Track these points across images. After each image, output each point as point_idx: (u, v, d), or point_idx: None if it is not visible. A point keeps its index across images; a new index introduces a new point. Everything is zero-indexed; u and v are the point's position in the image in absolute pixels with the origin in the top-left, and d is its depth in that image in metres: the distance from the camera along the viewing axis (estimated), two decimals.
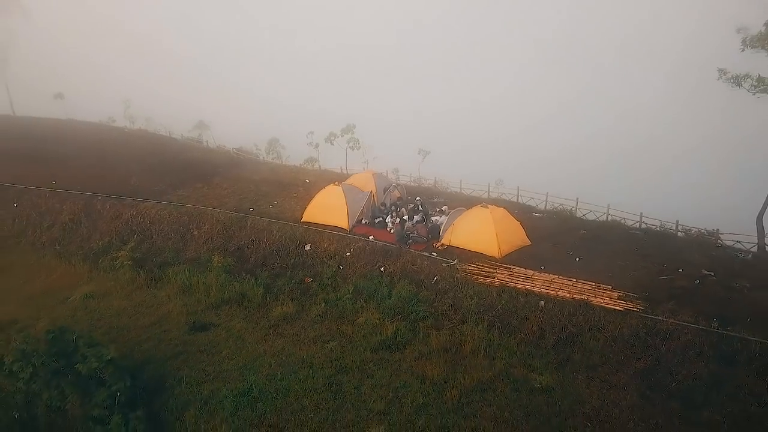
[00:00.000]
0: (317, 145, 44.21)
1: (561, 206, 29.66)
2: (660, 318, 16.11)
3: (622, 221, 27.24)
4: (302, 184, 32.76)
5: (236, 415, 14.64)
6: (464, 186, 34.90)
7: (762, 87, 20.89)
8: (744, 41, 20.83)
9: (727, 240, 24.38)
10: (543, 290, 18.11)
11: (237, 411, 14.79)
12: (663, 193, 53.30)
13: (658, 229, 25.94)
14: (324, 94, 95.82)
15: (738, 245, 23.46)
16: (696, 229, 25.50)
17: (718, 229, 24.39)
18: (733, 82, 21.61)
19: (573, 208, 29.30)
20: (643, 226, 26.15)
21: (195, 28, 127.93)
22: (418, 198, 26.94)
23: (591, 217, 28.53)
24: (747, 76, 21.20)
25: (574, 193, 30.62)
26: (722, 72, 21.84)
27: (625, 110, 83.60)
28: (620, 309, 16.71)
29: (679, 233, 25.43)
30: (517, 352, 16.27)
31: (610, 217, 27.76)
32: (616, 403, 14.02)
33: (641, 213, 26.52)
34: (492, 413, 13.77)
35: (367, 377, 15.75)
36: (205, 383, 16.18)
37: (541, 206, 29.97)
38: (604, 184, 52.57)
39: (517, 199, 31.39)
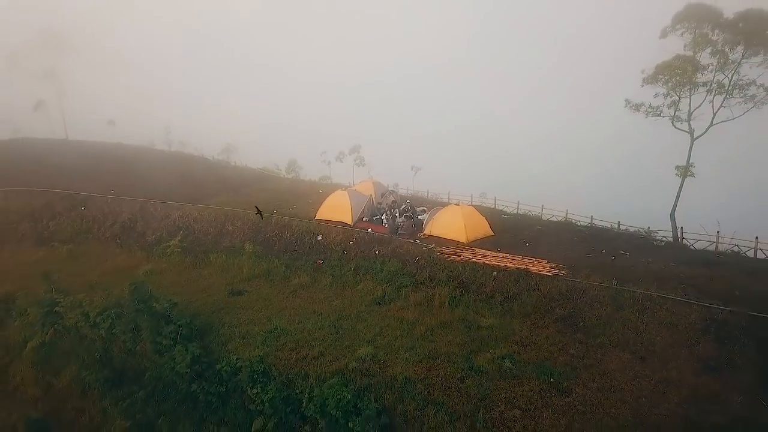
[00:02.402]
0: (329, 163, 50.17)
1: (529, 212, 34.80)
2: (578, 280, 21.02)
3: (577, 222, 32.22)
4: (316, 194, 38.34)
5: (265, 344, 19.72)
6: (452, 197, 40.25)
7: (652, 112, 26.11)
8: (644, 79, 26.20)
9: (660, 235, 29.22)
10: (496, 264, 23.15)
11: (266, 341, 19.89)
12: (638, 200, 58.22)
13: (607, 226, 30.83)
14: (333, 118, 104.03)
15: (664, 238, 28.30)
16: (635, 228, 30.34)
17: (649, 227, 29.25)
18: (633, 109, 26.87)
19: (539, 213, 34.41)
20: (593, 225, 31.10)
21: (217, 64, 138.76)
22: (408, 201, 32.42)
23: (554, 220, 33.58)
24: (642, 104, 26.50)
25: (559, 205, 35.69)
26: (627, 102, 27.15)
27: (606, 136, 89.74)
28: (550, 275, 21.68)
29: (622, 229, 30.30)
30: (473, 305, 21.24)
31: (567, 220, 32.76)
32: (538, 335, 18.89)
33: (591, 216, 31.52)
34: (447, 339, 18.74)
35: (361, 321, 20.79)
36: (241, 326, 21.33)
37: (513, 211, 35.11)
38: (585, 196, 57.58)
39: (495, 206, 36.60)
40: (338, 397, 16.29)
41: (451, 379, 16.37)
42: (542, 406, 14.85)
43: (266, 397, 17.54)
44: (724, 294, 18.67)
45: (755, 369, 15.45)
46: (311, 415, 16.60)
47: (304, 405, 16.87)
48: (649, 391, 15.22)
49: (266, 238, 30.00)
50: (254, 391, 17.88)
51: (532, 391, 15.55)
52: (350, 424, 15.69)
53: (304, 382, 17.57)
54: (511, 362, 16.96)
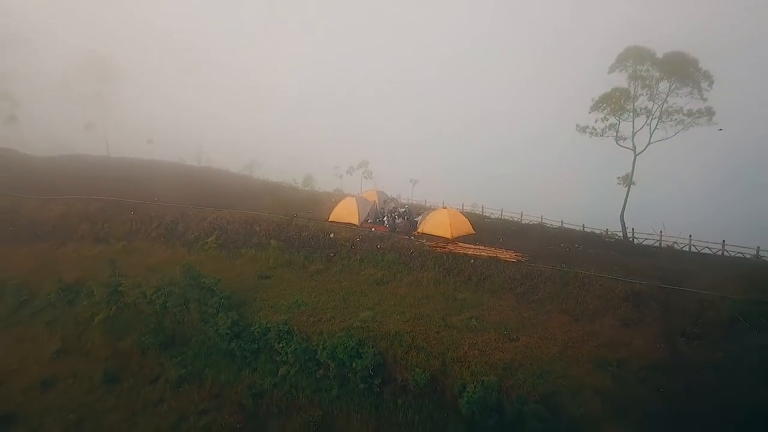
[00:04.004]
0: (341, 176, 55.62)
1: (510, 217, 39.61)
2: (536, 265, 25.75)
3: (550, 225, 36.91)
4: (329, 202, 43.51)
5: (289, 311, 24.58)
6: (446, 205, 45.14)
7: (595, 134, 31.09)
8: (591, 107, 31.21)
9: (618, 235, 33.81)
10: (473, 254, 27.96)
11: (289, 310, 24.75)
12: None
13: (574, 228, 35.48)
14: (338, 135, 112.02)
15: (616, 236, 32.90)
16: (600, 230, 34.94)
17: (607, 229, 33.86)
18: (580, 131, 31.84)
19: (519, 218, 39.20)
20: (562, 227, 35.78)
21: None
22: (405, 205, 37.53)
23: (531, 223, 38.32)
24: (587, 127, 31.51)
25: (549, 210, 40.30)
26: (577, 126, 32.11)
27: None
28: (515, 261, 26.44)
29: (587, 230, 34.95)
30: (452, 284, 26.01)
31: (541, 223, 37.49)
32: (501, 304, 23.57)
33: (562, 220, 36.23)
34: (430, 307, 23.52)
35: (364, 296, 25.63)
36: (270, 300, 26.22)
37: (496, 216, 39.96)
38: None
39: (482, 212, 41.48)
40: (345, 345, 21.07)
41: (429, 332, 21.10)
42: (495, 348, 19.54)
43: (289, 349, 22.32)
44: (645, 273, 23.32)
45: (658, 324, 20.01)
46: (324, 360, 21.34)
47: (318, 353, 21.62)
48: (576, 339, 19.84)
49: (288, 236, 35.08)
50: (280, 345, 22.67)
51: (489, 339, 20.24)
52: (353, 364, 20.45)
53: (319, 337, 22.36)
54: (476, 321, 21.68)
